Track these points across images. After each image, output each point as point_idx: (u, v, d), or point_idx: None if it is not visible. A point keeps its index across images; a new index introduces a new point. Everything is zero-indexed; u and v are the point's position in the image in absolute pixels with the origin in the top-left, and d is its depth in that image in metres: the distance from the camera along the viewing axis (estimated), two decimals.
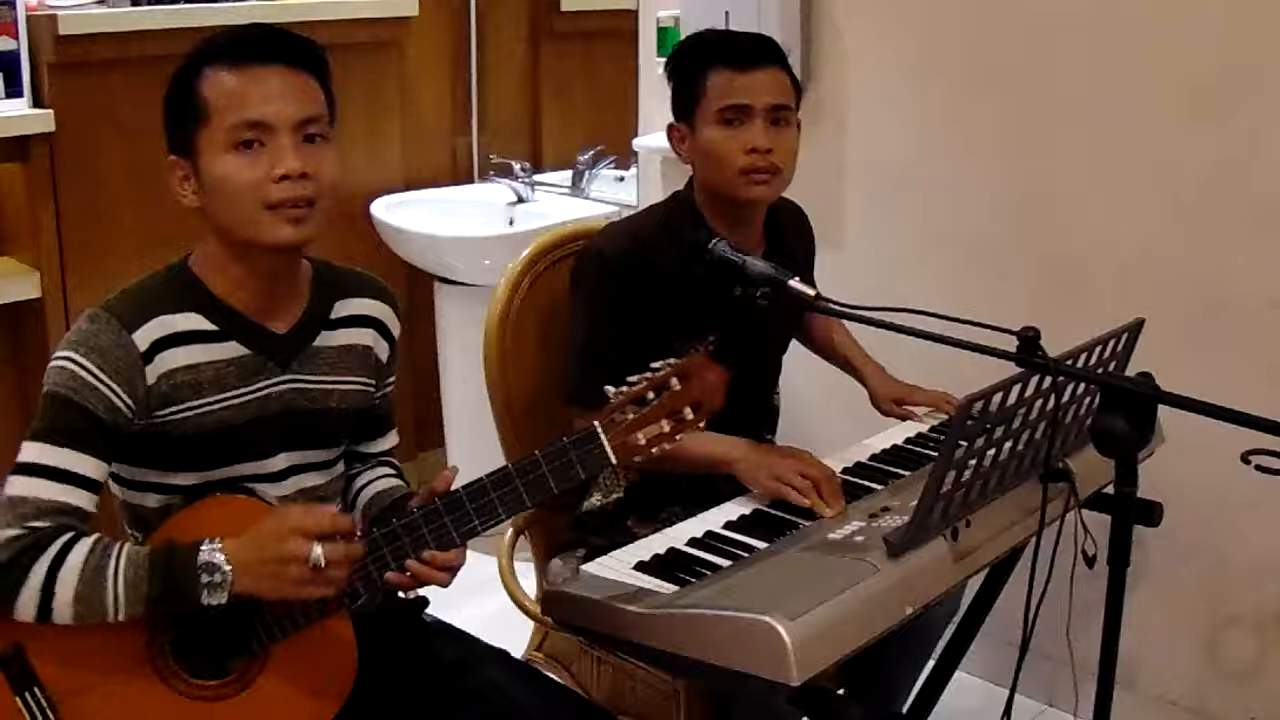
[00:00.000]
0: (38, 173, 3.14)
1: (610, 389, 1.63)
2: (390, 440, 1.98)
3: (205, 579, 1.54)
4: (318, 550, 1.52)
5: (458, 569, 1.67)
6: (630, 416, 1.61)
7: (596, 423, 1.61)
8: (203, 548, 1.55)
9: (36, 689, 1.60)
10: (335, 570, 1.54)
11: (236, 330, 1.71)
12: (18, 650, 1.60)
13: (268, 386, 1.73)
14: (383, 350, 1.88)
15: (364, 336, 1.85)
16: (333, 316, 1.81)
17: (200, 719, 1.63)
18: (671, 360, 1.63)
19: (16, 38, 3.05)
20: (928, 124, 2.84)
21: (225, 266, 1.71)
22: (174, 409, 1.67)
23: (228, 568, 1.54)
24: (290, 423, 1.76)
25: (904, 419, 2.35)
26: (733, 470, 2.04)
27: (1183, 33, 2.46)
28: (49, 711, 1.60)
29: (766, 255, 2.19)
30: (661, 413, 1.61)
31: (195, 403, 1.68)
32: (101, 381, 1.62)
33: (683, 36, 3.02)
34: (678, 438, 1.62)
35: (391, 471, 1.97)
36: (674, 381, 1.61)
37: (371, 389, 1.87)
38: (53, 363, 1.64)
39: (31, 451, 1.60)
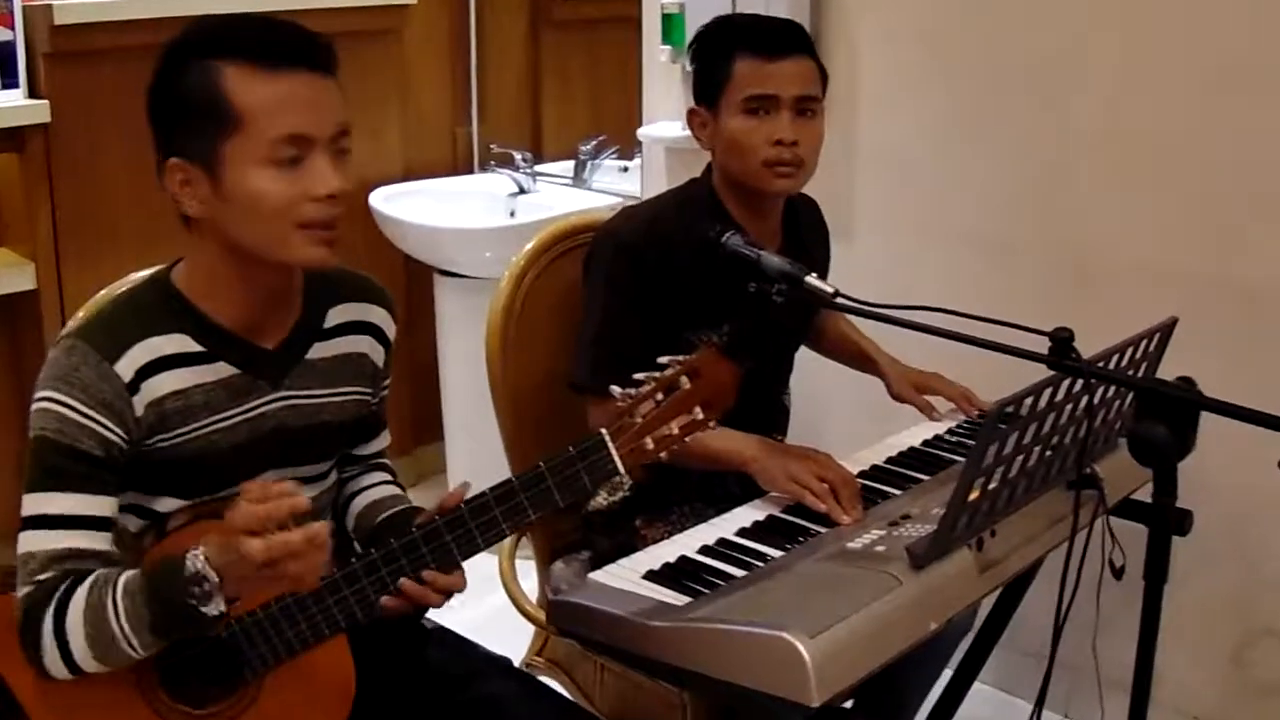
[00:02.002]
0: (33, 163, 3.13)
1: (617, 390, 1.57)
2: (383, 441, 1.92)
3: (196, 590, 1.45)
4: (256, 545, 1.40)
5: (458, 592, 1.61)
6: (639, 421, 1.55)
7: (604, 430, 1.56)
8: (188, 558, 1.46)
9: None
10: (294, 564, 1.40)
11: (225, 350, 1.64)
12: (1, 686, 1.55)
13: (259, 406, 1.66)
14: (379, 356, 1.81)
15: (359, 344, 1.78)
16: (326, 326, 1.74)
17: None
18: (681, 358, 1.57)
19: (12, 28, 3.05)
20: (940, 115, 2.78)
21: (218, 281, 1.63)
22: (165, 436, 1.60)
23: (214, 575, 1.44)
24: (281, 441, 1.69)
25: (923, 408, 2.27)
26: (748, 469, 1.98)
27: (1206, 21, 2.40)
28: None
29: (783, 248, 2.14)
30: (671, 414, 1.56)
31: (185, 429, 1.61)
32: (88, 417, 1.54)
33: (688, 23, 3.00)
34: (687, 439, 1.57)
35: (387, 477, 1.91)
36: (684, 380, 1.56)
37: (368, 397, 1.81)
38: (35, 404, 1.56)
39: (30, 504, 1.54)
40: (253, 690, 1.60)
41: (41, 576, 1.51)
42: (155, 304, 1.63)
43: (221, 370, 1.63)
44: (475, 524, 1.56)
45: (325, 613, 1.57)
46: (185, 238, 1.66)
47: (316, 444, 1.74)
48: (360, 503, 1.86)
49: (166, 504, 1.63)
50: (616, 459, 1.55)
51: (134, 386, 1.56)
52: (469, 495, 1.58)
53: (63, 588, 1.50)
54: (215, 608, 1.46)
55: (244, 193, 1.54)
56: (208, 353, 1.62)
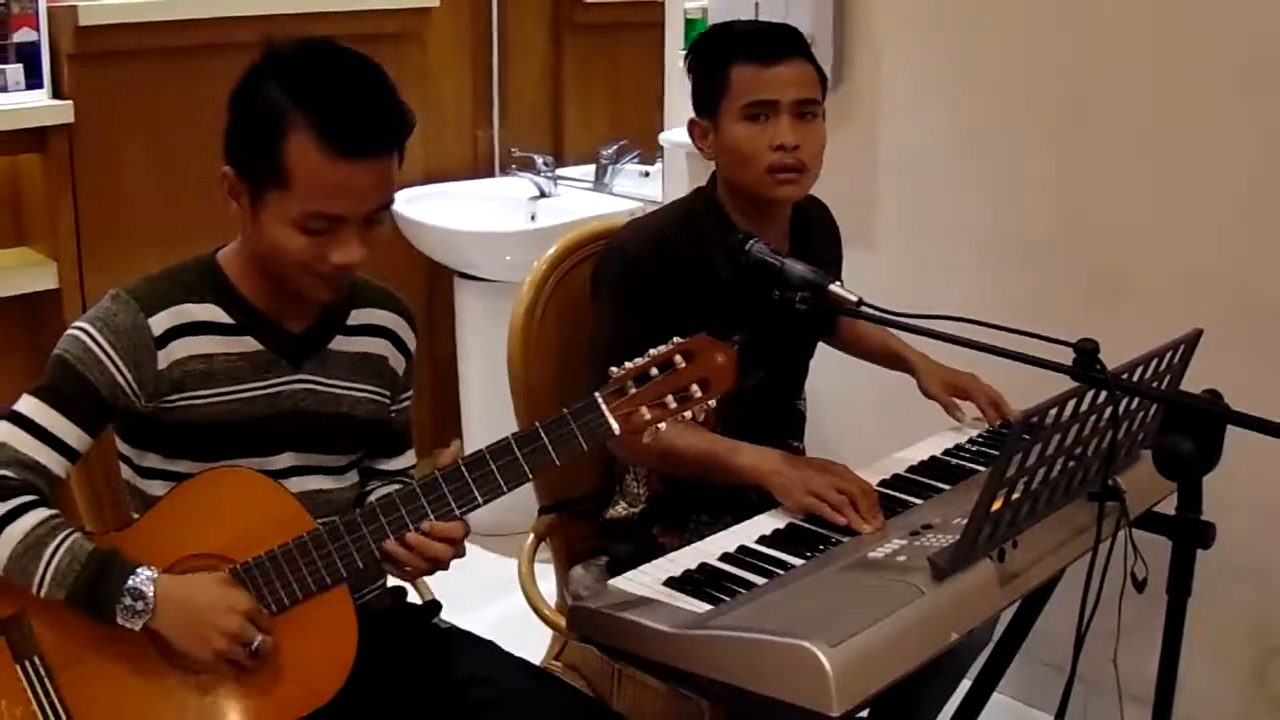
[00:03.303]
0: (56, 163, 3.15)
1: (613, 368, 1.61)
2: (406, 460, 1.95)
3: (127, 601, 1.56)
4: (262, 638, 1.58)
5: (459, 542, 1.65)
6: (633, 390, 1.61)
7: (597, 394, 1.61)
8: (138, 572, 1.57)
9: (36, 658, 1.60)
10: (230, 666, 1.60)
11: (252, 325, 1.73)
12: (21, 618, 1.60)
13: (279, 384, 1.74)
14: (398, 363, 1.87)
15: (379, 346, 1.84)
16: (349, 323, 1.82)
17: (196, 692, 1.61)
18: (676, 339, 1.62)
19: (37, 29, 3.09)
20: (963, 121, 2.76)
21: (251, 264, 1.73)
22: (183, 396, 1.69)
23: (152, 601, 1.56)
24: (297, 422, 1.76)
25: (949, 408, 2.24)
26: (766, 483, 1.97)
27: (1234, 25, 2.37)
28: (46, 681, 1.60)
29: (792, 254, 2.13)
30: (666, 389, 1.61)
31: (204, 392, 1.70)
32: (109, 358, 1.65)
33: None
34: (685, 415, 1.62)
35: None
36: (678, 359, 1.61)
37: (385, 400, 1.86)
38: (68, 331, 1.68)
39: (26, 404, 1.64)
40: None
41: (7, 474, 1.60)
42: (196, 275, 1.74)
43: (246, 344, 1.73)
44: (472, 477, 1.60)
45: (325, 559, 1.62)
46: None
47: (332, 434, 1.80)
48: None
49: (186, 466, 1.70)
50: (610, 419, 1.60)
51: (162, 342, 1.67)
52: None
53: (21, 500, 1.59)
54: (131, 624, 1.56)
55: (270, 238, 1.65)
56: (235, 326, 1.72)
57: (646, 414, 1.60)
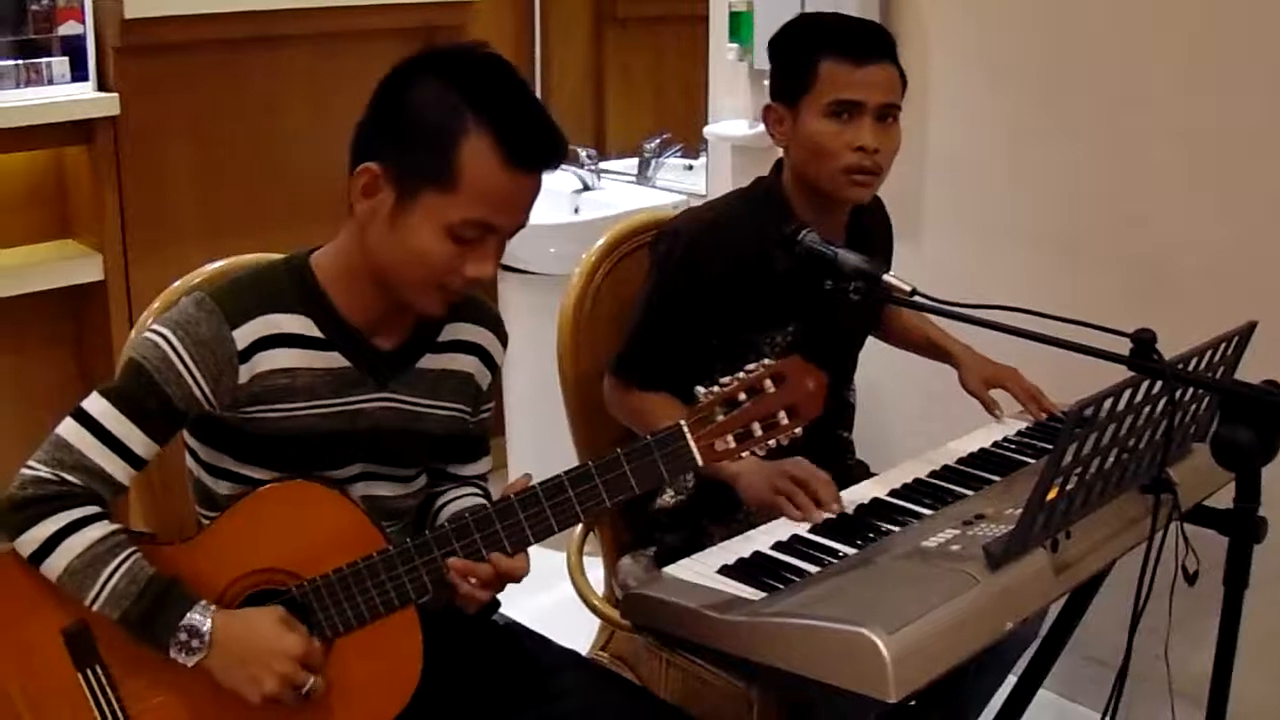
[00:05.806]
0: (102, 156, 3.15)
1: (700, 389, 1.58)
2: (482, 466, 1.92)
3: (182, 637, 1.54)
4: (313, 681, 1.56)
5: (519, 578, 1.62)
6: (720, 418, 1.56)
7: (682, 421, 1.56)
8: (196, 609, 1.55)
9: (99, 666, 1.59)
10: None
11: (342, 341, 1.67)
12: (83, 627, 1.59)
13: (362, 402, 1.69)
14: (484, 379, 1.83)
15: (467, 364, 1.80)
16: (440, 339, 1.76)
17: (259, 708, 1.59)
18: (766, 361, 1.58)
19: (83, 21, 3.09)
20: (1011, 115, 2.76)
21: (352, 275, 1.67)
22: (263, 408, 1.64)
23: (206, 638, 1.54)
24: (374, 439, 1.72)
25: (987, 405, 2.23)
26: (735, 484, 1.98)
27: (1276, 19, 2.36)
28: (109, 690, 1.59)
29: (847, 246, 2.13)
30: (753, 416, 1.56)
31: (286, 406, 1.64)
32: (188, 370, 1.59)
33: (756, 21, 2.99)
34: (771, 443, 1.57)
35: (478, 493, 1.91)
36: (768, 384, 1.56)
37: (466, 416, 1.82)
38: (147, 333, 1.62)
39: (96, 405, 1.59)
40: (322, 653, 1.61)
41: (69, 476, 1.56)
42: (287, 281, 1.67)
43: (334, 360, 1.66)
44: (549, 504, 1.57)
45: (395, 581, 1.59)
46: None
47: (407, 449, 1.76)
48: (446, 512, 1.86)
49: (258, 473, 1.67)
50: (695, 450, 1.55)
51: (246, 355, 1.61)
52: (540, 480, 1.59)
53: (87, 511, 1.56)
54: (184, 659, 1.54)
55: (413, 241, 1.59)
56: (325, 340, 1.66)
57: (731, 442, 1.56)
